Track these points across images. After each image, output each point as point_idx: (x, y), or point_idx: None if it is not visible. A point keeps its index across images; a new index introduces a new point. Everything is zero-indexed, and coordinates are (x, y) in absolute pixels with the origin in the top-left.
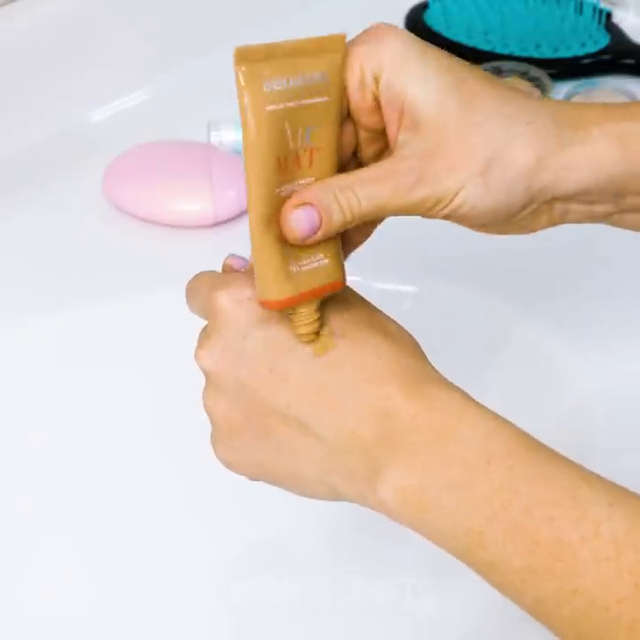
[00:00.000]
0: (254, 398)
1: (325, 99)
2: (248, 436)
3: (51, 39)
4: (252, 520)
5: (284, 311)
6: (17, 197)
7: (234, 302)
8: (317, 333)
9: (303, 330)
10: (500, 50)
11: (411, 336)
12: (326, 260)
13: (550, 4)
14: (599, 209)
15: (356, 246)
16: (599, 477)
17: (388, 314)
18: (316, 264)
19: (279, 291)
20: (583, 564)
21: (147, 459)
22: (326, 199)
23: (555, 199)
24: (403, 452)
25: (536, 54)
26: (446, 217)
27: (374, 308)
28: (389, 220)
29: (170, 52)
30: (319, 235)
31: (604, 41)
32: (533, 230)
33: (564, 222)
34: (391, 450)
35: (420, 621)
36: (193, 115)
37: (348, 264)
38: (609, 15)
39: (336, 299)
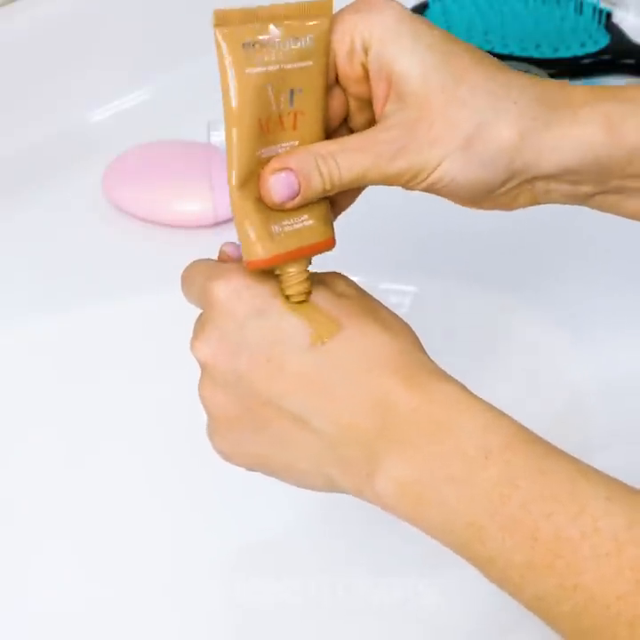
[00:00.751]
0: (251, 389)
1: (310, 63)
2: (245, 428)
3: (51, 39)
4: (253, 520)
5: (272, 270)
6: (17, 197)
7: (231, 293)
8: (308, 293)
9: (293, 290)
10: (499, 50)
11: (408, 327)
12: (311, 222)
13: (550, 4)
14: (582, 189)
15: (341, 210)
16: (597, 471)
17: None
18: (299, 225)
19: (264, 249)
20: (583, 561)
21: (147, 459)
22: (307, 166)
23: (536, 178)
24: (402, 446)
25: (536, 54)
26: (426, 189)
27: (372, 298)
28: (390, 221)
29: (170, 52)
30: (297, 200)
31: (604, 41)
32: (513, 207)
33: (545, 202)
34: (390, 443)
35: (423, 620)
36: (193, 115)
37: (349, 262)
38: (609, 15)
39: (333, 289)
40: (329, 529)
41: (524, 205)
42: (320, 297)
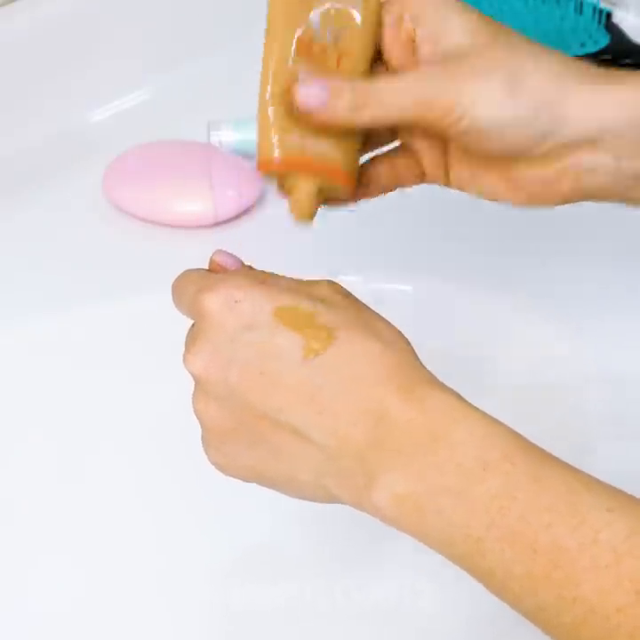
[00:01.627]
0: (245, 403)
1: (357, 8)
2: (240, 442)
3: (51, 39)
4: (247, 524)
5: (281, 178)
6: (17, 197)
7: (222, 305)
8: (312, 217)
9: (298, 208)
10: None
11: (403, 337)
12: (334, 151)
13: (550, 3)
14: (627, 166)
15: (374, 148)
16: (597, 481)
17: (386, 314)
18: (323, 147)
19: (279, 149)
20: (582, 572)
21: (145, 460)
22: (343, 88)
23: (577, 145)
24: (397, 457)
25: None
26: (459, 135)
27: (366, 308)
28: (388, 221)
29: (170, 52)
30: (322, 115)
31: (603, 41)
32: (558, 195)
33: (589, 184)
34: (386, 454)
35: (419, 623)
36: (193, 115)
37: (348, 262)
38: (609, 15)
39: (326, 298)
40: (324, 532)
41: (569, 192)
42: (312, 307)
